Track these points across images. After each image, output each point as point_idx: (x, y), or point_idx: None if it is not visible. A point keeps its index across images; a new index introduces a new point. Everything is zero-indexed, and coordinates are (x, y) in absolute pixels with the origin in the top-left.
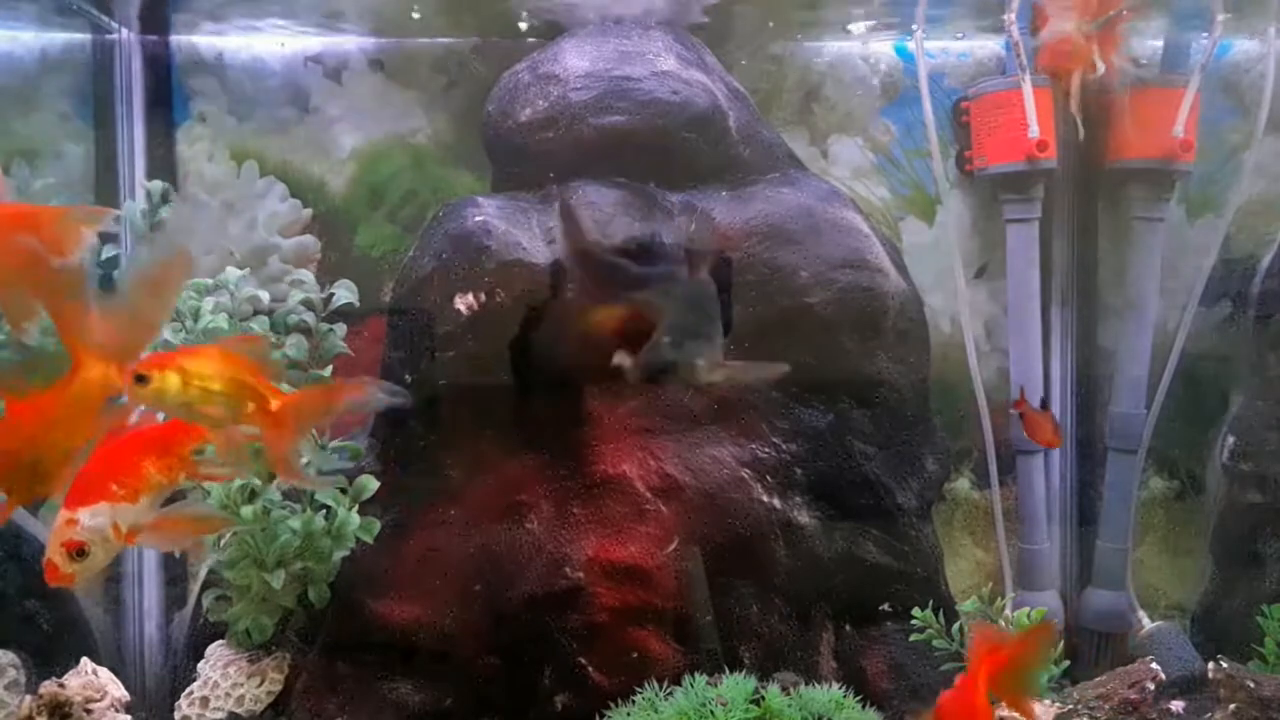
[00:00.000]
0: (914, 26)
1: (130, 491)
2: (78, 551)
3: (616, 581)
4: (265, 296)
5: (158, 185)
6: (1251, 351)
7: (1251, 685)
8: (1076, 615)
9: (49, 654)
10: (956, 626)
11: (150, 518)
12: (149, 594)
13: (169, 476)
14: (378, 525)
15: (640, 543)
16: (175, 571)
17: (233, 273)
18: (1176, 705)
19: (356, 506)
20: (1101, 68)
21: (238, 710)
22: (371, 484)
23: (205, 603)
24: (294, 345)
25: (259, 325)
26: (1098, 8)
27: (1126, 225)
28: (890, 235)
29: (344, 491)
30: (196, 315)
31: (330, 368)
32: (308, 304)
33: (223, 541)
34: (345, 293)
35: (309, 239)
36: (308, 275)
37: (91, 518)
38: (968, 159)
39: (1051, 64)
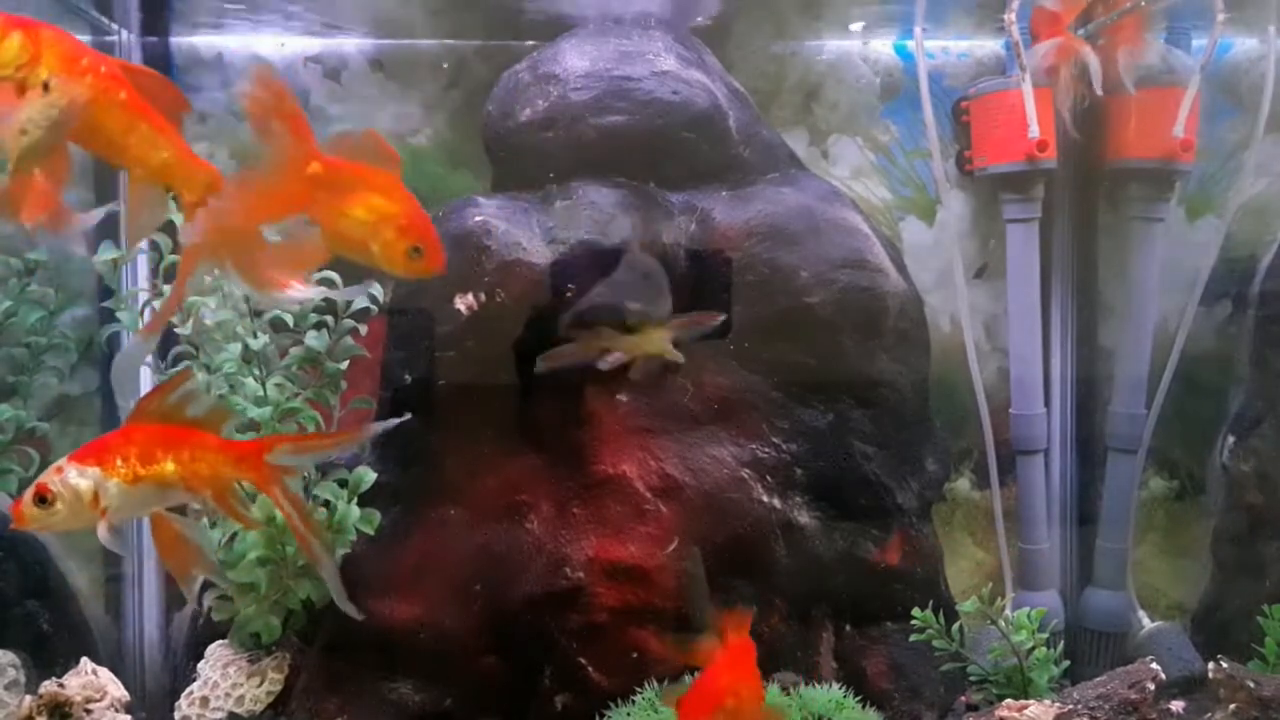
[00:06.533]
0: (915, 26)
1: (130, 472)
2: (40, 498)
3: (616, 581)
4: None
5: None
6: (1251, 351)
7: (1252, 685)
8: (1076, 615)
9: (49, 654)
10: (956, 626)
11: (138, 509)
12: (149, 594)
13: (184, 481)
14: (378, 517)
15: (640, 543)
16: None
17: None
18: (1177, 705)
19: (355, 500)
20: (1093, 64)
21: (238, 710)
22: (369, 475)
23: (207, 603)
24: (315, 338)
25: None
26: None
27: (1126, 225)
28: (890, 235)
29: (343, 485)
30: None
31: (346, 363)
32: (329, 304)
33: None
34: (362, 294)
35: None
36: (335, 276)
37: (77, 476)
38: (968, 159)
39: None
